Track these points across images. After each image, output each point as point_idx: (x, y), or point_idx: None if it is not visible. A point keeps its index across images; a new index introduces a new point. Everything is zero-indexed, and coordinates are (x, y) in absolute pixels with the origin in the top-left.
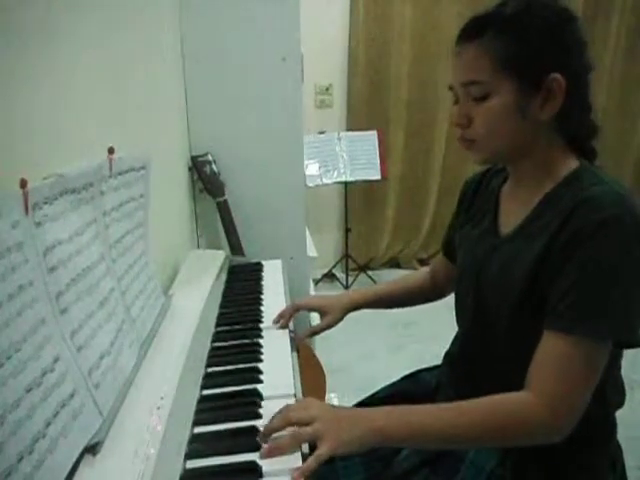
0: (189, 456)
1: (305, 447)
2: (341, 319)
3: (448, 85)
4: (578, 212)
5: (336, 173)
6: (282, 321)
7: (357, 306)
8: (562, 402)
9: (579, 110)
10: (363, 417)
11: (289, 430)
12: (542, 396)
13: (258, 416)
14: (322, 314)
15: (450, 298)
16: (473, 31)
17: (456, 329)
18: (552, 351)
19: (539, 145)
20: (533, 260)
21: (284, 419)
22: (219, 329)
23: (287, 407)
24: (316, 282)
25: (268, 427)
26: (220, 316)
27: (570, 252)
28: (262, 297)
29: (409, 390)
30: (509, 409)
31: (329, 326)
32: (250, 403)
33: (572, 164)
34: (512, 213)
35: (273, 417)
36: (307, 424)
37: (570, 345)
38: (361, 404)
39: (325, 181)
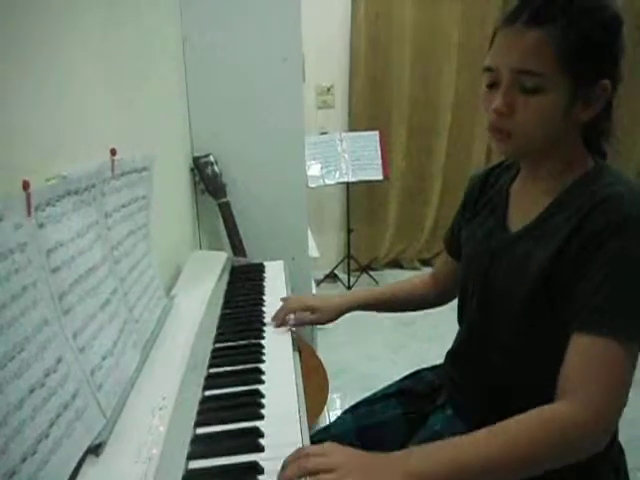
0: (191, 457)
1: None
2: (332, 320)
3: (485, 66)
4: (599, 210)
5: (338, 174)
6: (277, 322)
7: (351, 308)
8: (607, 409)
9: (607, 116)
10: (393, 461)
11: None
12: (587, 405)
13: (260, 417)
14: (313, 311)
15: None
16: (541, 14)
17: (458, 328)
18: (589, 354)
19: (562, 144)
20: (547, 258)
21: (301, 468)
22: (221, 330)
23: (303, 451)
24: (318, 283)
25: (284, 478)
26: (222, 317)
27: (594, 250)
28: (264, 298)
29: (411, 389)
30: (553, 421)
31: (317, 322)
32: (252, 404)
33: (588, 163)
34: (524, 210)
35: (286, 463)
36: (328, 472)
37: (610, 346)
38: (363, 402)
39: (327, 182)
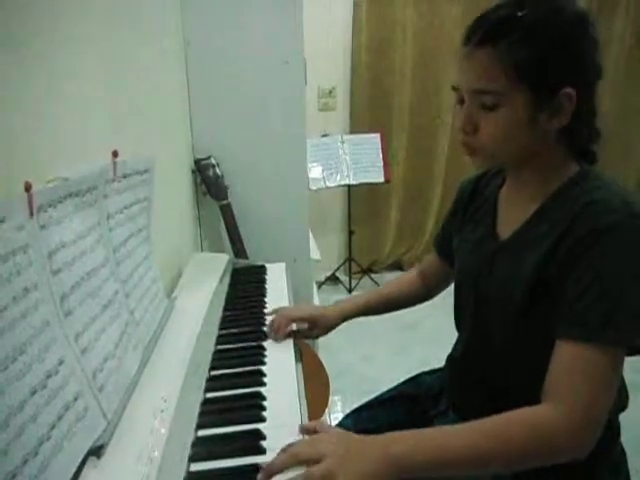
0: (193, 459)
1: None
2: (329, 331)
3: (452, 85)
4: (585, 215)
5: (339, 176)
6: (279, 335)
7: (348, 317)
8: (588, 413)
9: (586, 119)
10: (375, 446)
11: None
12: (567, 409)
13: (261, 419)
14: (312, 324)
15: (452, 300)
16: (487, 36)
17: None
18: (572, 360)
19: (541, 152)
20: (536, 265)
21: (291, 457)
22: (222, 332)
23: (292, 444)
24: (319, 285)
25: (272, 467)
26: (223, 319)
27: (580, 255)
28: (265, 300)
29: (412, 393)
30: (534, 423)
31: (315, 336)
32: (253, 406)
33: (573, 168)
34: (511, 217)
35: (278, 456)
36: (316, 462)
37: (592, 352)
38: (364, 407)
39: (329, 184)
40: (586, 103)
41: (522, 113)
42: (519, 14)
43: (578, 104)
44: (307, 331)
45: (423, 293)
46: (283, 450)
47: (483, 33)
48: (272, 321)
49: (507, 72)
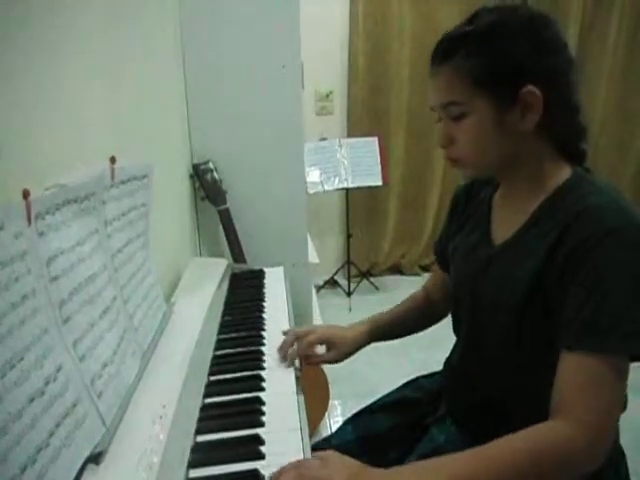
0: (192, 465)
1: None
2: (350, 355)
3: (429, 106)
4: (580, 222)
5: (337, 180)
6: (288, 358)
7: (367, 343)
8: (603, 426)
9: (563, 114)
10: (388, 477)
11: None
12: (579, 423)
13: (261, 424)
14: (330, 346)
15: None
16: (444, 53)
17: None
18: (580, 372)
19: (527, 154)
20: (532, 270)
21: (299, 476)
22: (221, 337)
23: (300, 462)
24: (318, 289)
25: None
26: (222, 324)
27: (577, 262)
28: (264, 304)
29: (412, 396)
30: (549, 442)
31: (336, 361)
32: (253, 411)
33: (565, 171)
34: (505, 222)
35: (282, 471)
36: None
37: (600, 363)
38: (363, 411)
39: (327, 188)
40: (559, 98)
41: (487, 117)
42: (470, 28)
43: (549, 100)
44: (328, 356)
45: (432, 313)
46: (290, 466)
47: (441, 52)
48: (281, 348)
49: (465, 82)
